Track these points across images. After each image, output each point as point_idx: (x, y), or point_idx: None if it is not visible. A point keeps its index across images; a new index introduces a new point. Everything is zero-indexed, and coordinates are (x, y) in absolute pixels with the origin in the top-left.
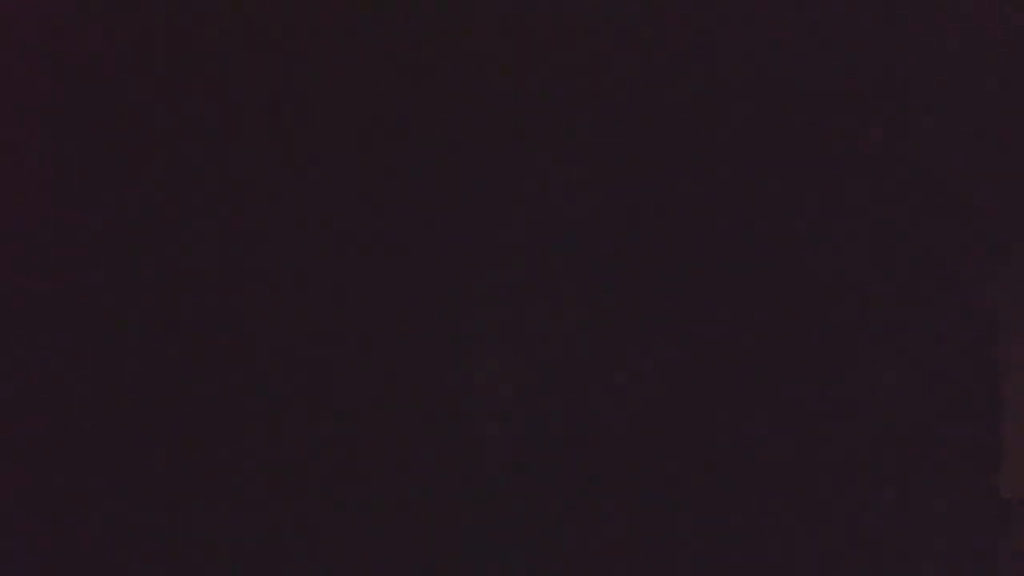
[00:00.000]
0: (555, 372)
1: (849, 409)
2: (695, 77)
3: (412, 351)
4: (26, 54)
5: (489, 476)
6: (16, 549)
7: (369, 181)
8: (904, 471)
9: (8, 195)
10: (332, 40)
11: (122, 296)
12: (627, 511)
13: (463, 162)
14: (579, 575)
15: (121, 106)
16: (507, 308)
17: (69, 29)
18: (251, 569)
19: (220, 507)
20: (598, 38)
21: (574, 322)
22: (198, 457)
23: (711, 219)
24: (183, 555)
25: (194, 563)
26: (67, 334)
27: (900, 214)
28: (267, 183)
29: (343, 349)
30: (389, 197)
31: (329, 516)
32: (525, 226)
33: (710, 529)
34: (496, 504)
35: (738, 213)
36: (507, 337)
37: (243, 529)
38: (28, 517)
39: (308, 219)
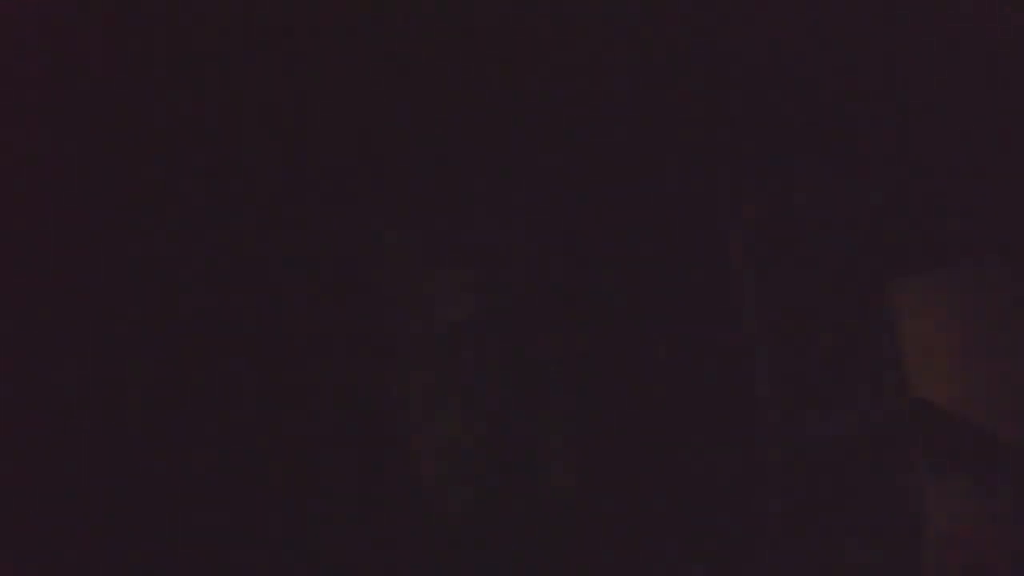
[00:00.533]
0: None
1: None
2: (695, 77)
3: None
4: (26, 54)
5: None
6: (16, 549)
7: (368, 184)
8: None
9: (8, 195)
10: (332, 40)
11: (121, 296)
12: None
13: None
14: None
15: (121, 106)
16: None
17: (69, 29)
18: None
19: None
20: (598, 38)
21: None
22: (192, 457)
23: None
24: (180, 555)
25: (189, 563)
26: (67, 334)
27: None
28: (268, 183)
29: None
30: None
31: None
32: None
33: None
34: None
35: None
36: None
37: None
38: (28, 517)
39: (306, 220)
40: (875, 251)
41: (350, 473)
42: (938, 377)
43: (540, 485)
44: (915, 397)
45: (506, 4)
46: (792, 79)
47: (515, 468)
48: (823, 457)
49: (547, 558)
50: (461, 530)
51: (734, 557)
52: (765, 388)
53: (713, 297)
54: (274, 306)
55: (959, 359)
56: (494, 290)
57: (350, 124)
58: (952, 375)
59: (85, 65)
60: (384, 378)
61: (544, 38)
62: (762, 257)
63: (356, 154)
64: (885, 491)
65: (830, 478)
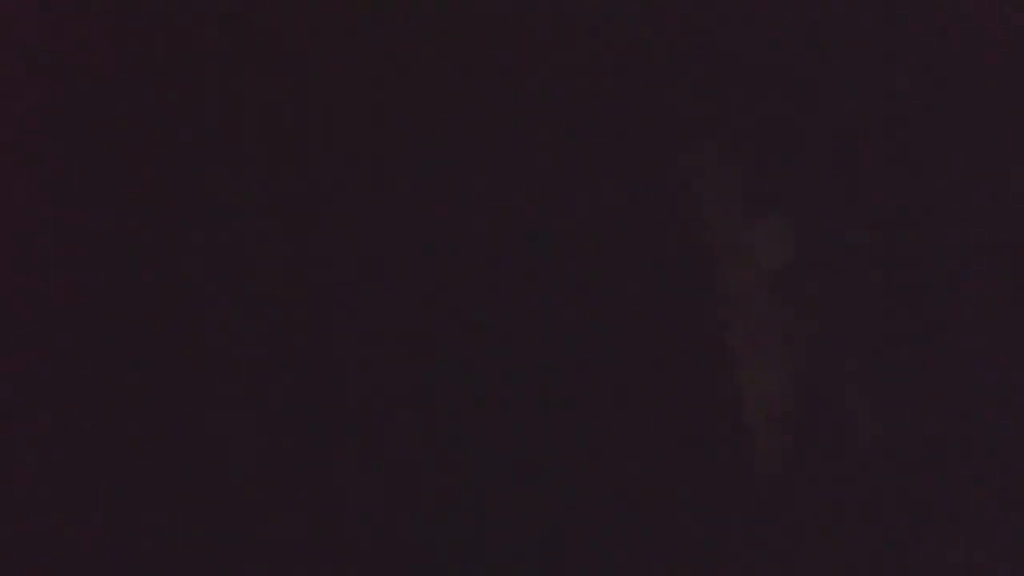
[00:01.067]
0: None
1: None
2: (695, 76)
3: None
4: (26, 54)
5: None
6: (16, 549)
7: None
8: None
9: (8, 195)
10: (332, 40)
11: (122, 297)
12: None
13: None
14: None
15: (121, 106)
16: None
17: (69, 29)
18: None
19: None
20: (598, 38)
21: None
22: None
23: None
24: (184, 556)
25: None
26: (67, 334)
27: None
28: (269, 184)
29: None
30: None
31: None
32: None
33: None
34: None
35: None
36: None
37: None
38: (28, 517)
39: (324, 219)
40: None
41: (671, 417)
42: None
43: (849, 437)
44: None
45: None
46: (792, 79)
47: (829, 418)
48: None
49: (854, 510)
50: (781, 476)
51: None
52: None
53: None
54: (597, 254)
55: None
56: (815, 238)
57: (350, 123)
58: None
59: (85, 65)
60: (705, 322)
61: None
62: None
63: (679, 94)
64: None
65: None
